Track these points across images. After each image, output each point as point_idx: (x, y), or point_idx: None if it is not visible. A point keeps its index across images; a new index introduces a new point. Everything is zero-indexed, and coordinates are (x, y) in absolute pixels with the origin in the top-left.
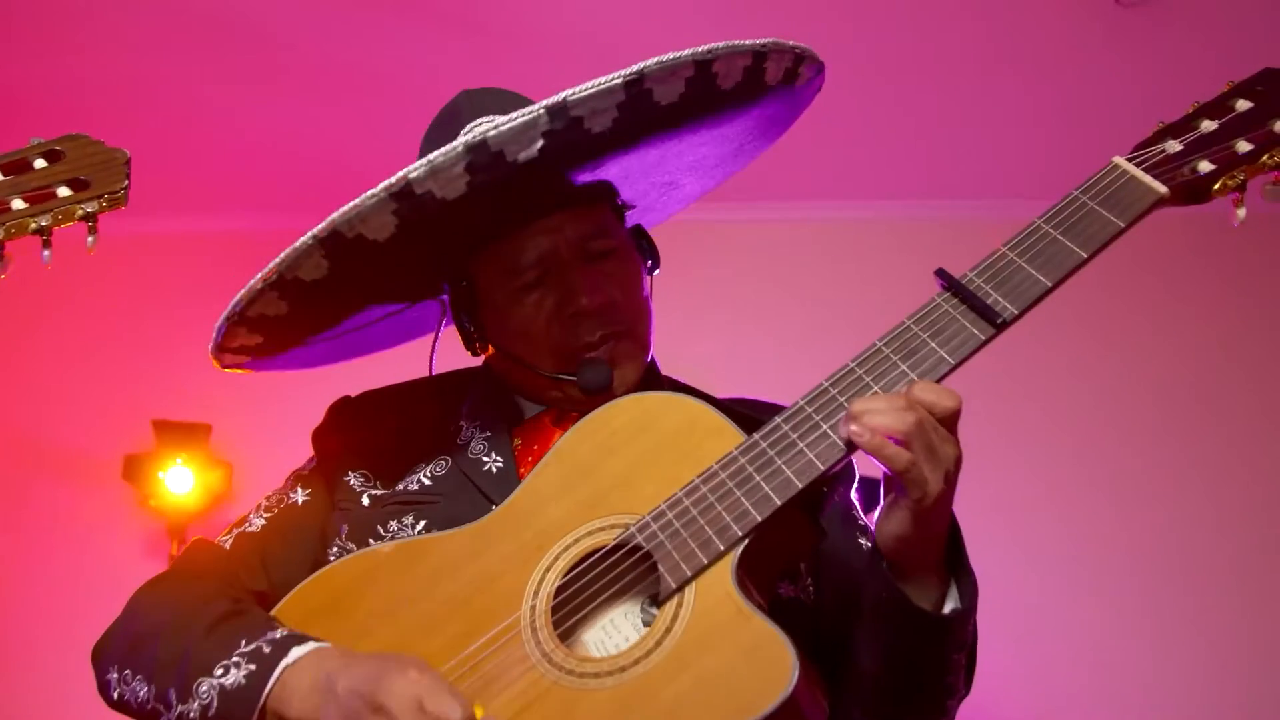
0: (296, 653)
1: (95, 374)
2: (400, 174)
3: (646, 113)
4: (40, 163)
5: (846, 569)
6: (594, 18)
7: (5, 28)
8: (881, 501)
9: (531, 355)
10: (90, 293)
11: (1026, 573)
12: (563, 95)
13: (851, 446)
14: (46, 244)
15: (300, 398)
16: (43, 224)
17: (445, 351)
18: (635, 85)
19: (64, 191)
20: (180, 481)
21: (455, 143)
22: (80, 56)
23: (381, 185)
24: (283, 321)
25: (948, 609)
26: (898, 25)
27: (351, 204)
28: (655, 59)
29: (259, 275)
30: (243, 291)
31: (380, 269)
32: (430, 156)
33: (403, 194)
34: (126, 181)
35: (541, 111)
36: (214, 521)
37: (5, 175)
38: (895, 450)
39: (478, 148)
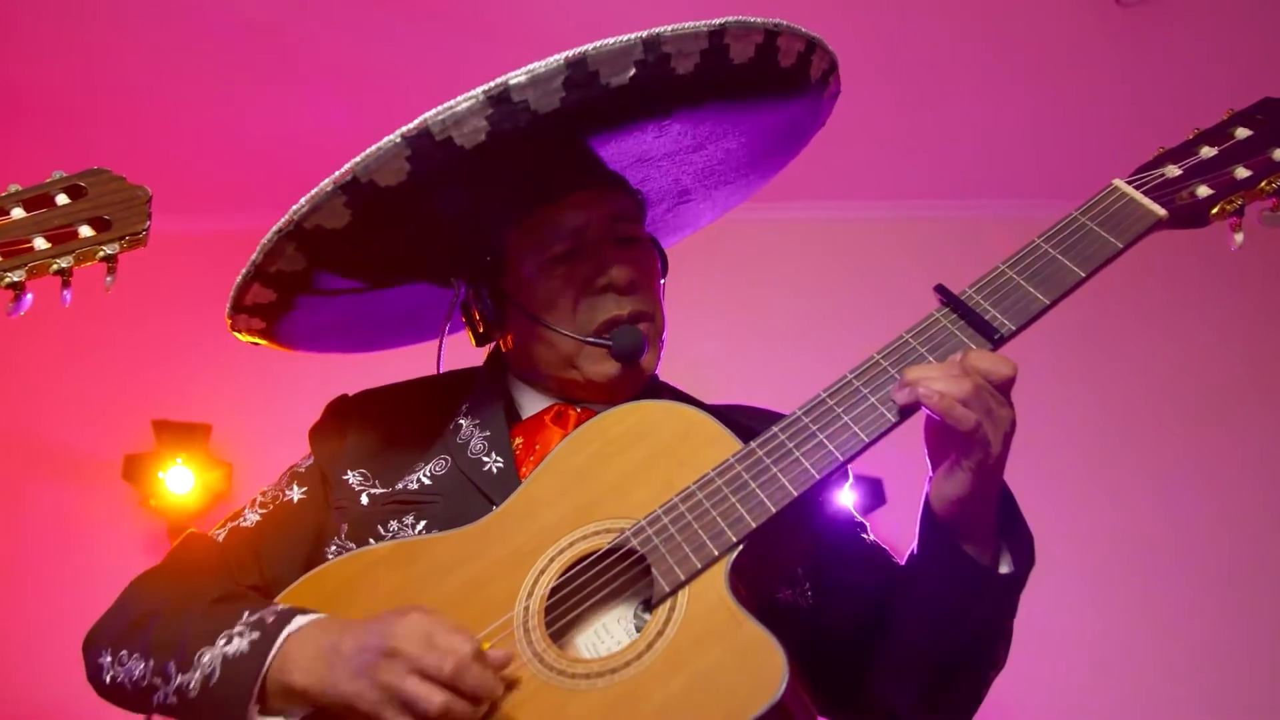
0: (299, 621)
1: (95, 374)
2: (498, 80)
3: (720, 69)
4: (62, 198)
5: (848, 569)
6: (616, 22)
7: (14, 27)
8: (932, 471)
9: (560, 324)
10: (90, 293)
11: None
12: (658, 30)
13: (879, 433)
14: (66, 284)
15: (300, 398)
16: (64, 266)
17: (447, 356)
18: (719, 36)
19: (86, 231)
20: (180, 481)
21: (555, 56)
22: (84, 58)
23: (479, 89)
24: (300, 276)
25: (1003, 570)
26: (897, 25)
27: (444, 106)
28: (736, 18)
29: (324, 189)
30: (304, 201)
31: (412, 228)
32: (529, 66)
33: (500, 99)
34: (148, 222)
35: (637, 40)
36: (214, 521)
37: (27, 211)
38: (964, 411)
39: (577, 63)
